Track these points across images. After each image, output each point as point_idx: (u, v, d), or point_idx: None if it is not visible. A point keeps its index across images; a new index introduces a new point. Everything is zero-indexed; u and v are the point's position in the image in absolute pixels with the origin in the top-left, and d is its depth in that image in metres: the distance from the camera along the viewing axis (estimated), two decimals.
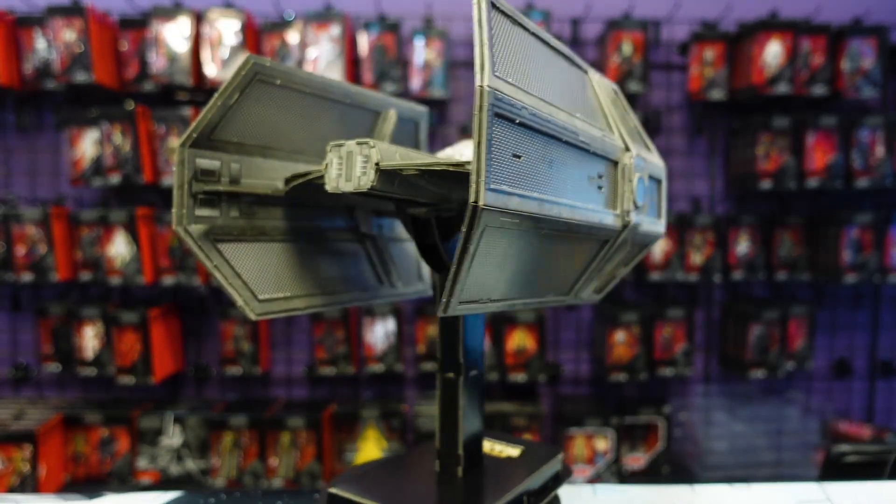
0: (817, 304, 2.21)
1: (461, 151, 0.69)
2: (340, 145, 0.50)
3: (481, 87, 0.38)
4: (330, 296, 0.64)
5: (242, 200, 0.58)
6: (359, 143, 0.49)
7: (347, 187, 0.49)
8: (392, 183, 0.50)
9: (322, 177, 0.53)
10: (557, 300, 0.59)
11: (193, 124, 0.54)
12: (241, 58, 0.56)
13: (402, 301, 2.20)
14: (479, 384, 0.63)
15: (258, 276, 0.58)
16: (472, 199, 0.37)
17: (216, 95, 0.54)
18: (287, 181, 0.60)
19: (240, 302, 0.55)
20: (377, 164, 0.48)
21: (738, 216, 2.12)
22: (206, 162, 0.56)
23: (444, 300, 0.42)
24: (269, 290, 0.59)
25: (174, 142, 1.99)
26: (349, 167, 0.49)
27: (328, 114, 0.65)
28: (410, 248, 0.79)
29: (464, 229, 0.38)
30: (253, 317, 0.56)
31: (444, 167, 0.47)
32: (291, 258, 0.62)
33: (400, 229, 0.78)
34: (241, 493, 0.73)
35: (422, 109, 0.77)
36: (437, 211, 0.59)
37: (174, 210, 0.53)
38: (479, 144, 0.38)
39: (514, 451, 0.67)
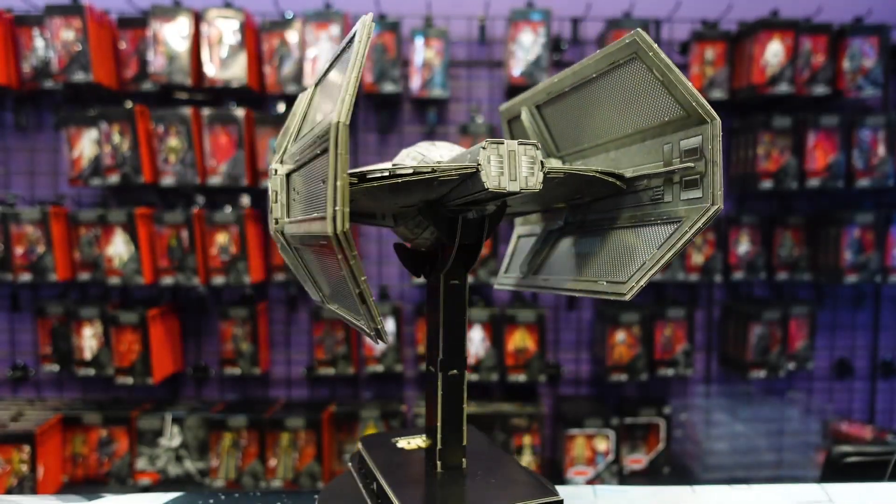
0: (818, 304, 2.21)
1: (425, 154, 0.62)
2: (499, 143, 0.48)
3: (717, 121, 0.49)
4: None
5: None
6: (521, 144, 0.48)
7: (513, 187, 0.48)
8: (547, 185, 0.50)
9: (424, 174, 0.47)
10: None
11: (348, 97, 0.42)
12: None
13: (400, 301, 2.20)
14: None
15: None
16: (715, 203, 0.50)
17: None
18: (384, 176, 0.48)
19: (378, 325, 0.45)
20: (544, 165, 0.49)
21: (739, 216, 2.12)
22: None
23: (635, 284, 0.51)
24: None
25: (173, 141, 1.99)
26: (512, 167, 0.48)
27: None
28: None
29: (698, 224, 0.49)
30: (389, 342, 0.47)
31: (599, 174, 0.53)
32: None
33: None
34: (241, 494, 0.72)
35: None
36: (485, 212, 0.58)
37: (335, 209, 0.40)
38: (714, 164, 0.50)
39: None
